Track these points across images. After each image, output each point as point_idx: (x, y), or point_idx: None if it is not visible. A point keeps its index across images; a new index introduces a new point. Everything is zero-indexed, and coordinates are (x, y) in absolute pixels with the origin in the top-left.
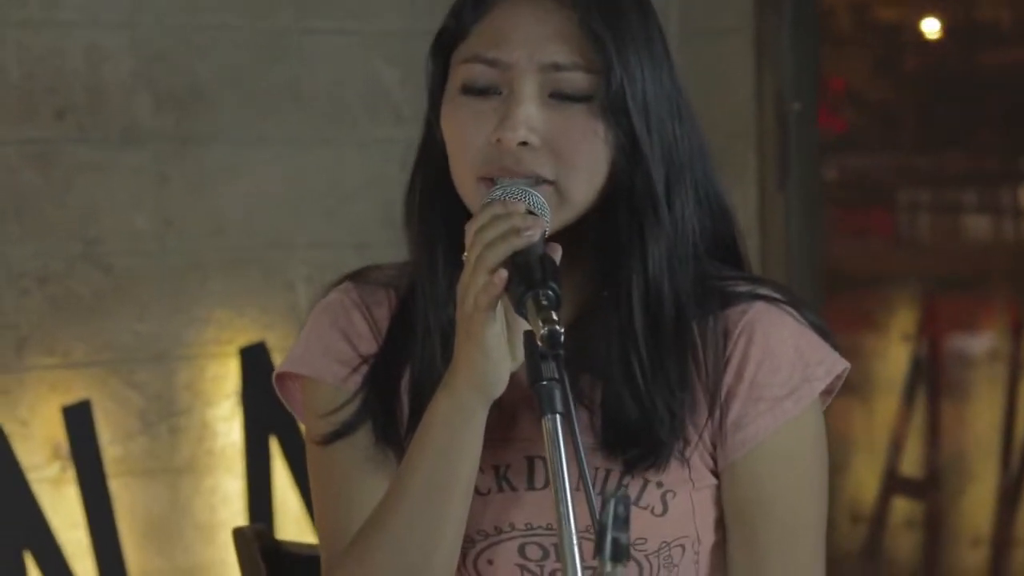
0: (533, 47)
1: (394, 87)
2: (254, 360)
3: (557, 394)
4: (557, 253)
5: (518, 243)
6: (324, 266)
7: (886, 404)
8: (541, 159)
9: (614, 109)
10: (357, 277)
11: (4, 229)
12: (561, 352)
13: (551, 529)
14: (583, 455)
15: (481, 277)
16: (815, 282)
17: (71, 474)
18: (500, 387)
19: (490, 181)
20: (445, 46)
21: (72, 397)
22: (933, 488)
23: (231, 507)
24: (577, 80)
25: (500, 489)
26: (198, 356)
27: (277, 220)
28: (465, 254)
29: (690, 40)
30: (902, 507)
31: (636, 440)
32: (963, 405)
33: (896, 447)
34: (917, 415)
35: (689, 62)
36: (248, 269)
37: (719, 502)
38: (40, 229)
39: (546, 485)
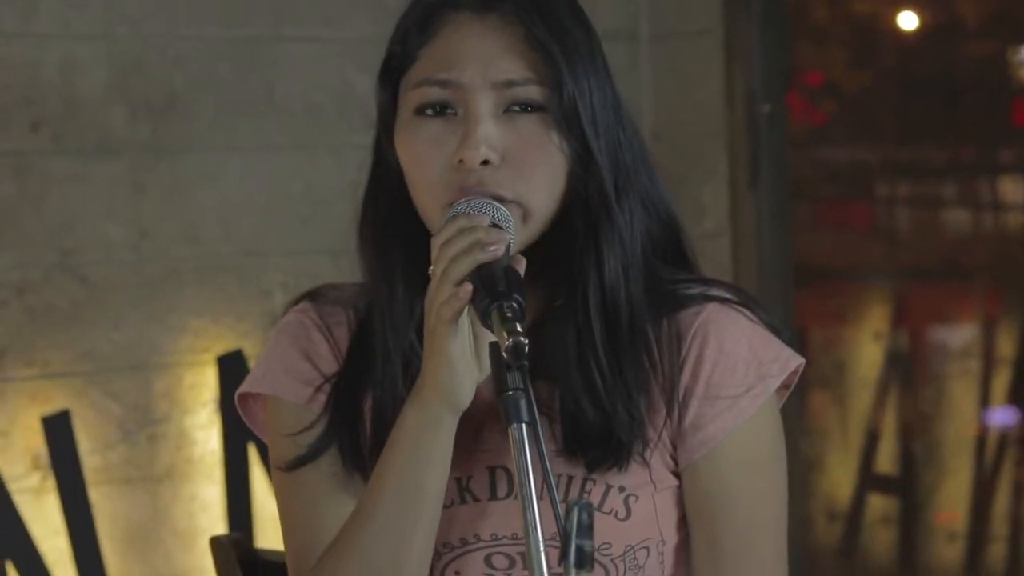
0: (485, 65)
1: (367, 93)
2: (231, 368)
3: (523, 404)
4: (521, 265)
5: (483, 257)
6: (300, 273)
7: (861, 398)
8: (501, 178)
9: (567, 120)
10: (315, 296)
11: None
12: (526, 363)
13: (516, 538)
14: (548, 463)
15: (446, 290)
16: (785, 279)
17: (51, 483)
18: (467, 398)
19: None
20: (393, 72)
21: (51, 407)
22: (909, 483)
23: (210, 514)
24: (531, 94)
25: (463, 501)
26: (175, 364)
27: (252, 227)
28: (431, 268)
29: (661, 41)
30: (878, 503)
31: (597, 443)
32: (939, 399)
33: (871, 442)
34: (891, 409)
35: (660, 63)
36: (224, 277)
37: (681, 502)
38: (16, 240)
39: (508, 495)
